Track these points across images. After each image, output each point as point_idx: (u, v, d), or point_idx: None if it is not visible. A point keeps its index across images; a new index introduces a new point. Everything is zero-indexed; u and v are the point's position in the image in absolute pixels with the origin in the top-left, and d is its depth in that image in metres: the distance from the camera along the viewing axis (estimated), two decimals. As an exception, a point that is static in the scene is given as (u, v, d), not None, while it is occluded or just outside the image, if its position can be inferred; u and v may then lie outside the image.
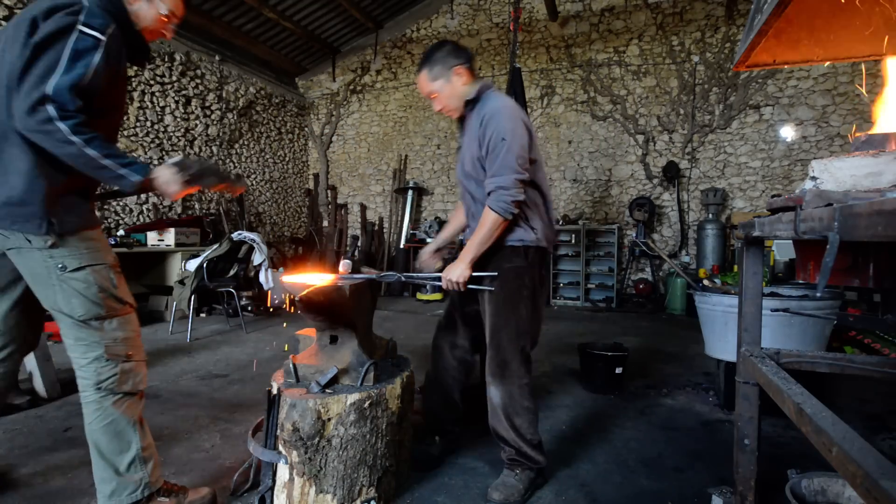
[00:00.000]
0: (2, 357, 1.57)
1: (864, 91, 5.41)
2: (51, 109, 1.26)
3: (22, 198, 1.35)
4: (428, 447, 1.99)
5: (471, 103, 1.81)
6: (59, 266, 1.41)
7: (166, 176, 1.46)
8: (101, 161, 1.33)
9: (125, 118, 5.39)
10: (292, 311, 1.61)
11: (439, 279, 1.79)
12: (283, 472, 1.51)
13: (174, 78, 6.10)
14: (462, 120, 1.89)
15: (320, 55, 8.39)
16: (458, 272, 1.72)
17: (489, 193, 1.68)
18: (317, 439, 1.46)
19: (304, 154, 8.83)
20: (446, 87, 1.79)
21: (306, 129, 8.85)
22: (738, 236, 1.40)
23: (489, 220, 1.68)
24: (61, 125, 1.26)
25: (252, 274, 4.82)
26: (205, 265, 4.24)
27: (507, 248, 1.77)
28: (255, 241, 4.52)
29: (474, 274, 1.73)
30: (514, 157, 1.65)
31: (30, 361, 2.63)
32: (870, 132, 1.04)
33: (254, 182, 7.63)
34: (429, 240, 7.36)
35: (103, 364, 1.46)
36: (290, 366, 1.63)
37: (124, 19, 1.48)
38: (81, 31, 1.31)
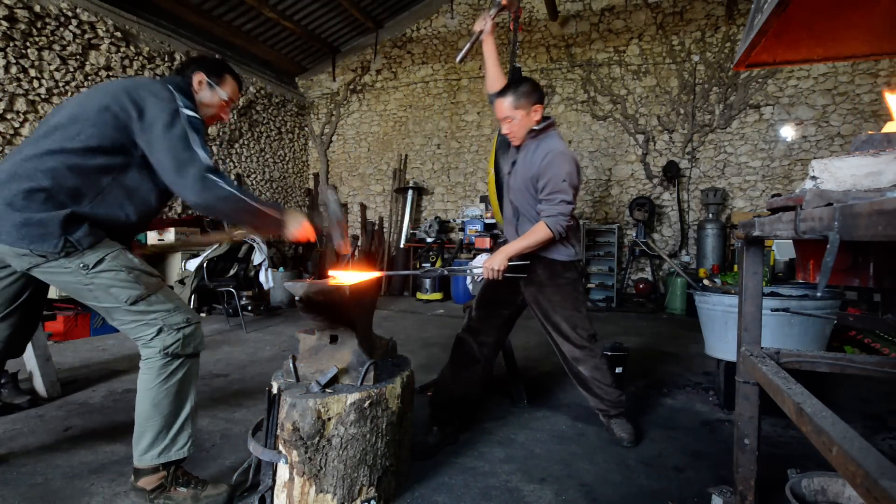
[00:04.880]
0: None
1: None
2: (213, 178, 1.49)
3: (41, 219, 1.43)
4: (425, 437, 2.08)
5: (533, 132, 2.11)
6: (82, 266, 1.49)
7: (297, 223, 1.68)
8: (255, 208, 1.56)
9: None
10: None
11: (479, 269, 2.07)
12: (283, 472, 1.51)
13: (175, 69, 6.10)
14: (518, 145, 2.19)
15: (320, 55, 8.39)
16: (498, 262, 2.00)
17: (549, 216, 2.02)
18: (317, 439, 1.46)
19: (304, 154, 8.83)
20: (525, 118, 2.07)
21: (306, 128, 8.85)
22: (738, 236, 1.40)
23: (541, 234, 2.02)
24: (220, 181, 1.49)
25: (252, 273, 4.82)
26: (205, 265, 4.24)
27: (559, 263, 2.17)
28: (255, 241, 4.52)
29: (511, 263, 2.02)
30: (570, 195, 2.02)
31: (30, 361, 2.63)
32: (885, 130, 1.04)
33: (254, 182, 7.64)
34: (429, 239, 7.37)
35: (167, 334, 1.56)
36: (290, 365, 1.63)
37: (193, 104, 1.65)
38: (187, 114, 1.52)
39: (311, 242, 1.80)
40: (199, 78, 1.72)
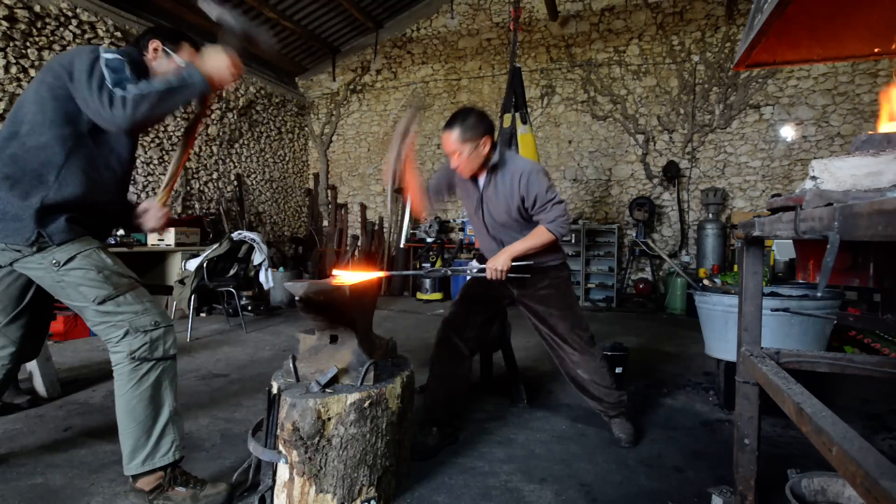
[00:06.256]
0: (2, 360, 1.71)
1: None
2: (116, 92, 1.43)
3: (16, 213, 1.45)
4: (424, 438, 2.07)
5: (493, 166, 2.10)
6: (53, 262, 1.50)
7: (216, 61, 1.56)
8: (167, 89, 1.46)
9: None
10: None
11: (483, 271, 2.08)
12: (283, 472, 1.51)
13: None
14: (474, 178, 2.16)
15: (320, 55, 8.39)
16: (501, 262, 2.02)
17: (549, 222, 2.04)
18: (317, 439, 1.46)
19: (304, 154, 8.83)
20: (473, 151, 2.03)
21: (306, 128, 8.84)
22: (738, 236, 1.40)
23: (544, 237, 2.04)
24: (125, 92, 1.43)
25: (252, 274, 4.82)
26: (205, 265, 4.24)
27: (551, 266, 2.19)
28: (255, 241, 4.52)
29: (514, 264, 2.03)
30: (559, 197, 2.07)
31: (30, 361, 2.63)
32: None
33: (254, 182, 7.63)
34: (429, 239, 7.37)
35: (133, 336, 1.54)
36: (290, 365, 1.64)
37: (142, 72, 1.61)
38: (105, 57, 1.49)
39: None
40: (154, 45, 1.66)
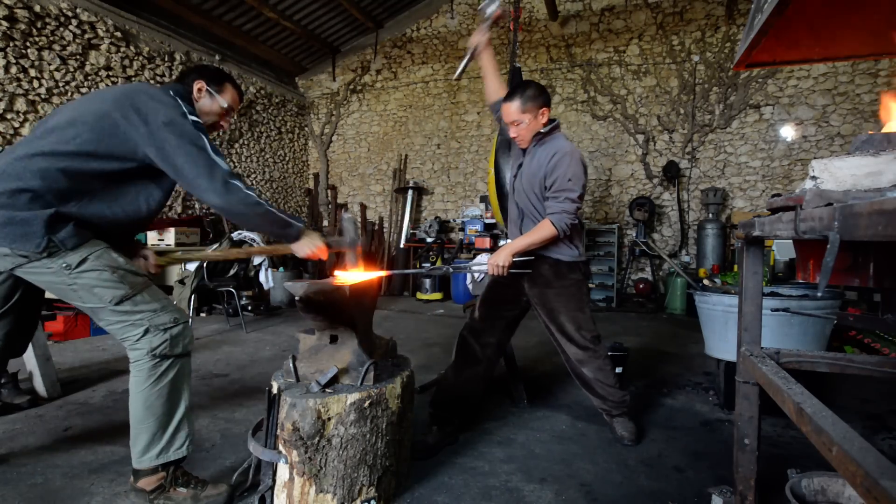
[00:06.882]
0: None
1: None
2: (237, 183, 1.53)
3: (25, 218, 1.42)
4: (425, 437, 2.08)
5: (539, 135, 2.14)
6: (65, 266, 1.47)
7: (313, 241, 1.76)
8: (277, 215, 1.63)
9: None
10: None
11: (484, 266, 2.11)
12: (283, 472, 1.51)
13: (174, 77, 6.10)
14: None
15: (320, 55, 8.39)
16: (502, 258, 2.04)
17: (553, 213, 2.04)
18: (317, 439, 1.46)
19: (304, 154, 8.83)
20: (532, 122, 2.10)
21: (306, 128, 8.84)
22: (738, 236, 1.40)
23: (546, 231, 2.05)
24: (247, 191, 1.55)
25: (252, 274, 4.82)
26: (205, 265, 4.24)
27: (564, 263, 2.17)
28: (255, 241, 4.52)
29: (515, 259, 2.05)
30: (577, 194, 2.05)
31: (30, 361, 2.63)
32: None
33: (254, 182, 7.63)
34: (429, 239, 7.37)
35: (153, 334, 1.54)
36: (290, 365, 1.64)
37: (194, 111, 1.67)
38: (193, 119, 1.56)
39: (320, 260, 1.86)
40: (199, 86, 1.73)
